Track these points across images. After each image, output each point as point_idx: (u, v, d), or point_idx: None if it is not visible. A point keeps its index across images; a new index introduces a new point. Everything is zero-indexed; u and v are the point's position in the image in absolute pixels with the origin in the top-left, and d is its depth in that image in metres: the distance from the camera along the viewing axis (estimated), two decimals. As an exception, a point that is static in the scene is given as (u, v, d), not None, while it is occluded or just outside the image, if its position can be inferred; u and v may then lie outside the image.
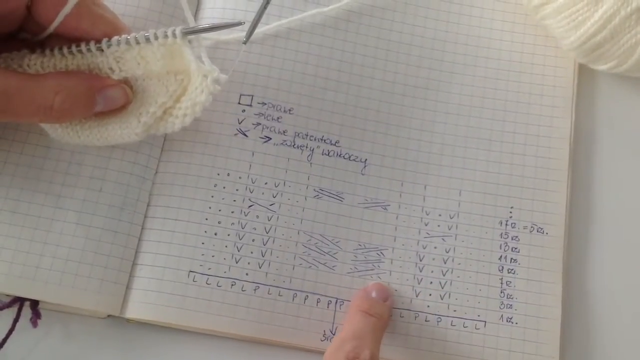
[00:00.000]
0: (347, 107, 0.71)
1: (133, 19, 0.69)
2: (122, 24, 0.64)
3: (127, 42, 0.62)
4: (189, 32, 0.62)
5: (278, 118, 0.70)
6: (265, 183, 0.68)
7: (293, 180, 0.69)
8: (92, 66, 0.63)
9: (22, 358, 0.64)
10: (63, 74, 0.62)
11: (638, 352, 0.67)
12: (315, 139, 0.70)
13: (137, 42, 0.62)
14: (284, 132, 0.70)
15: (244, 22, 0.64)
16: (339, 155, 0.70)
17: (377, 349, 0.60)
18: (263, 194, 0.68)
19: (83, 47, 0.62)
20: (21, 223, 0.64)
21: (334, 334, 0.65)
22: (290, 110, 0.70)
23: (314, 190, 0.69)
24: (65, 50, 0.62)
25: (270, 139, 0.69)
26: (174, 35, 0.61)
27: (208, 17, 0.71)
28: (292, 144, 0.69)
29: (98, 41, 0.62)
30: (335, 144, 0.70)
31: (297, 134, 0.70)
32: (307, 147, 0.70)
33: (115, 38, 0.62)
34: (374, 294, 0.65)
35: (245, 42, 0.67)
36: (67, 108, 0.60)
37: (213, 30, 0.63)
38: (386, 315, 0.64)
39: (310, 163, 0.69)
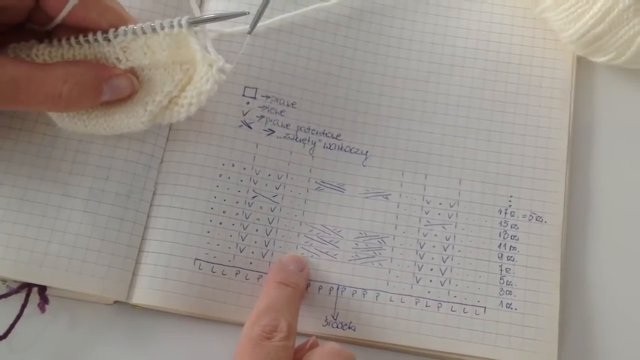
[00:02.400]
0: (349, 102, 0.72)
1: (139, 11, 0.70)
2: (129, 14, 0.65)
3: (134, 32, 0.62)
4: (195, 21, 0.63)
5: (281, 111, 0.71)
6: (269, 175, 0.69)
7: (295, 172, 0.70)
8: (99, 56, 0.64)
9: (29, 343, 0.65)
10: (71, 63, 0.63)
11: (635, 338, 0.68)
12: (317, 133, 0.71)
13: (144, 32, 0.62)
14: (287, 125, 0.71)
15: (249, 12, 0.66)
16: (341, 149, 0.71)
17: (294, 319, 0.60)
18: (266, 185, 0.69)
19: (90, 37, 0.63)
20: (29, 210, 0.65)
21: (335, 319, 0.65)
22: (293, 104, 0.71)
23: (316, 182, 0.70)
24: (72, 40, 0.63)
25: (274, 131, 0.70)
26: (179, 25, 0.62)
27: (213, 9, 0.73)
28: (295, 137, 0.70)
29: (105, 31, 0.63)
30: (336, 138, 0.71)
31: (299, 127, 0.71)
32: (309, 140, 0.71)
33: (122, 28, 0.63)
34: (290, 267, 0.65)
35: (249, 33, 0.68)
36: (75, 97, 0.61)
37: (218, 20, 0.64)
38: (302, 285, 0.65)
39: (312, 156, 0.70)
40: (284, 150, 0.70)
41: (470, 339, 0.66)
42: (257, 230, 0.67)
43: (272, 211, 0.68)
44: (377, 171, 0.70)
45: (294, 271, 0.65)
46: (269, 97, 0.71)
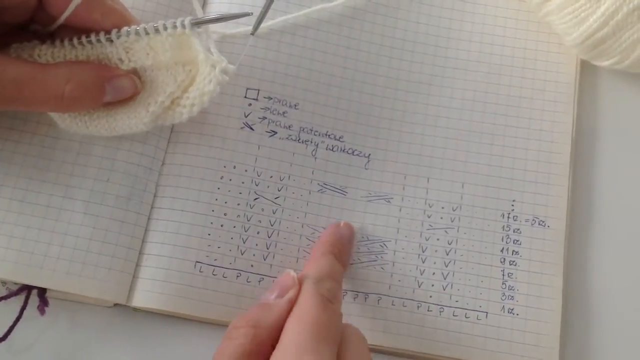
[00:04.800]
0: (351, 103, 0.72)
1: (142, 12, 0.70)
2: (132, 15, 0.65)
3: (137, 32, 0.62)
4: (198, 22, 0.63)
5: (284, 113, 0.71)
6: (271, 176, 0.69)
7: (298, 174, 0.69)
8: (101, 57, 0.64)
9: (29, 346, 0.64)
10: (73, 63, 0.63)
11: (637, 344, 0.68)
12: (319, 134, 0.71)
13: (147, 33, 0.62)
14: (289, 126, 0.70)
15: (252, 13, 0.66)
16: (343, 150, 0.71)
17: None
18: (268, 187, 0.68)
19: (93, 37, 0.63)
20: (29, 212, 0.65)
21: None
22: (295, 105, 0.71)
23: (318, 184, 0.69)
24: (75, 40, 0.63)
25: (276, 133, 0.70)
26: (182, 25, 0.62)
27: (215, 11, 0.72)
28: (297, 138, 0.70)
29: (108, 32, 0.63)
30: (339, 139, 0.71)
31: (302, 128, 0.70)
32: (311, 142, 0.70)
33: (125, 29, 0.63)
34: (343, 235, 0.66)
35: (252, 34, 0.68)
36: (77, 97, 0.60)
37: (221, 21, 0.64)
38: (348, 264, 0.66)
39: (315, 158, 0.70)
40: (286, 152, 0.70)
41: (471, 344, 0.65)
42: (258, 233, 0.67)
43: (273, 213, 0.68)
44: (379, 174, 0.70)
45: (347, 246, 0.66)
46: (271, 99, 0.71)
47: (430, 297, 0.67)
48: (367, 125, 0.72)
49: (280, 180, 0.69)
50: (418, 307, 0.66)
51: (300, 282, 0.58)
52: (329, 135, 0.71)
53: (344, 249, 0.65)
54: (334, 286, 0.58)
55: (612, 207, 0.72)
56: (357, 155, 0.71)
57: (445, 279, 0.67)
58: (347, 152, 0.71)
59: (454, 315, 0.66)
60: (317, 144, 0.70)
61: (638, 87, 0.75)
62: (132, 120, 0.64)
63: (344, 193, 0.69)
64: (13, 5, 0.61)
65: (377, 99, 0.73)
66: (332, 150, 0.70)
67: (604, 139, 0.74)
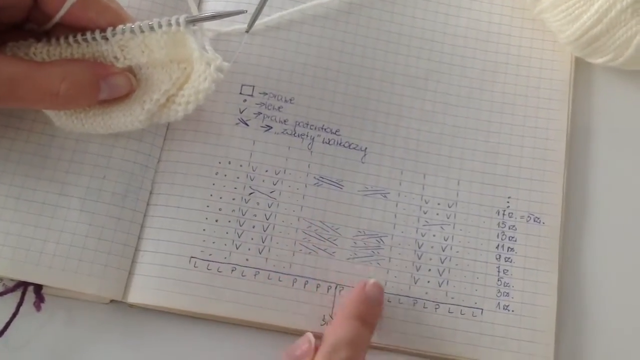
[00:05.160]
0: (348, 97, 0.72)
1: (137, 11, 0.70)
2: (127, 13, 0.65)
3: (132, 30, 0.62)
4: (192, 20, 0.62)
5: (279, 107, 0.71)
6: (266, 171, 0.69)
7: (293, 168, 0.69)
8: (97, 55, 0.64)
9: (25, 342, 0.64)
10: (69, 61, 0.63)
11: (632, 341, 0.68)
12: (315, 128, 0.71)
13: (142, 31, 0.62)
14: (284, 121, 0.70)
15: (247, 11, 0.66)
16: (339, 144, 0.71)
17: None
18: (264, 181, 0.68)
19: (88, 35, 0.63)
20: (26, 209, 0.65)
21: (333, 319, 0.65)
22: (291, 99, 0.71)
23: (314, 177, 0.69)
24: (70, 39, 0.63)
25: (271, 127, 0.70)
26: (177, 23, 0.62)
27: (211, 9, 0.72)
28: (293, 132, 0.70)
29: (103, 30, 0.63)
30: (335, 133, 0.71)
31: (297, 123, 0.71)
32: (307, 135, 0.70)
33: (120, 27, 0.63)
34: (368, 295, 0.63)
35: (247, 31, 0.68)
36: (72, 95, 0.60)
37: (216, 19, 0.64)
38: (375, 325, 0.63)
39: (311, 151, 0.70)
40: (281, 146, 0.70)
41: (466, 341, 0.66)
42: (253, 227, 0.67)
43: (269, 207, 0.68)
44: (375, 168, 0.70)
45: (374, 307, 0.63)
46: (266, 94, 0.71)
47: (426, 293, 0.67)
48: (364, 119, 0.72)
49: (276, 174, 0.69)
50: (414, 303, 0.66)
51: (317, 349, 0.58)
52: (325, 129, 0.71)
53: (372, 311, 0.63)
54: (350, 355, 0.57)
55: (606, 204, 0.72)
56: (354, 148, 0.71)
57: (441, 275, 0.67)
58: (343, 145, 0.71)
59: (449, 312, 0.66)
60: (313, 138, 0.70)
61: (632, 84, 0.75)
62: (128, 118, 0.64)
63: (341, 186, 0.69)
64: (8, 5, 0.60)
65: (373, 92, 0.73)
66: (329, 143, 0.71)
67: (598, 136, 0.74)
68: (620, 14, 0.67)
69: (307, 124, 0.71)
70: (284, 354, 0.60)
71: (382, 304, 0.65)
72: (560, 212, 0.70)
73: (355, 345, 0.58)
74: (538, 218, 0.69)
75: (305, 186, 0.69)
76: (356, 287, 0.65)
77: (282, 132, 0.70)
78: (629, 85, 0.75)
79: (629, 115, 0.75)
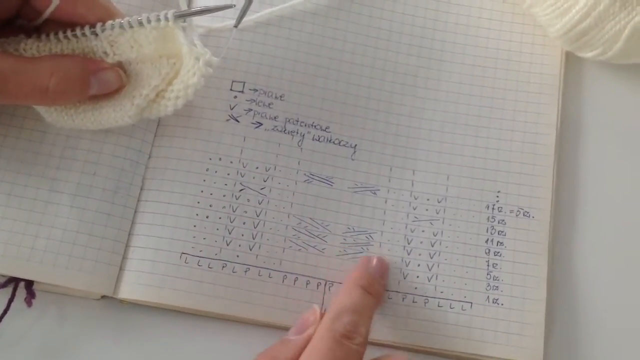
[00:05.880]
0: (338, 94, 0.72)
1: (127, 6, 0.70)
2: (116, 9, 0.65)
3: (121, 26, 0.62)
4: (181, 15, 0.63)
5: (269, 104, 0.71)
6: (257, 167, 0.69)
7: (284, 164, 0.69)
8: (86, 50, 0.64)
9: (17, 338, 0.65)
10: (58, 56, 0.63)
11: (622, 335, 0.68)
12: (305, 125, 0.71)
13: (131, 26, 0.63)
14: (275, 117, 0.71)
15: (234, 5, 0.66)
16: (329, 141, 0.71)
17: (369, 329, 0.60)
18: (254, 178, 0.69)
19: (78, 31, 0.63)
20: (17, 205, 0.65)
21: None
22: (281, 96, 0.71)
23: (304, 174, 0.70)
24: (60, 34, 0.63)
25: (262, 124, 0.70)
26: (166, 18, 0.62)
27: (201, 4, 0.72)
28: (283, 129, 0.70)
29: (92, 25, 0.63)
30: (325, 130, 0.71)
31: (288, 119, 0.71)
32: (297, 132, 0.71)
33: (109, 22, 0.63)
34: (376, 273, 0.65)
35: (236, 26, 0.68)
36: (62, 90, 0.61)
37: (204, 13, 0.64)
38: (381, 295, 0.65)
39: (301, 148, 0.70)
40: (272, 143, 0.70)
41: (456, 334, 0.66)
42: (244, 223, 0.67)
43: (259, 204, 0.68)
44: (365, 165, 0.70)
45: (378, 279, 0.65)
46: (256, 90, 0.71)
47: (416, 288, 0.67)
48: (354, 116, 0.72)
49: (266, 171, 0.69)
50: (403, 299, 0.67)
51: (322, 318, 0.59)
52: (315, 126, 0.71)
53: (374, 280, 0.64)
54: (354, 320, 0.58)
55: (596, 198, 0.72)
56: (344, 145, 0.71)
57: (430, 270, 0.67)
58: (333, 142, 0.71)
59: (438, 306, 0.67)
60: (303, 135, 0.71)
61: (622, 78, 0.76)
62: (118, 113, 0.64)
63: (331, 183, 0.70)
64: None
65: (363, 89, 0.73)
66: (319, 140, 0.71)
67: (588, 130, 0.74)
68: (608, 7, 0.67)
69: (298, 121, 0.71)
70: (293, 329, 0.60)
71: (386, 277, 0.67)
72: (550, 206, 0.70)
73: (359, 312, 0.59)
74: (528, 212, 0.69)
75: (296, 183, 0.69)
76: (362, 260, 0.67)
77: (273, 129, 0.70)
78: (618, 79, 0.76)
79: (619, 109, 0.75)
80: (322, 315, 0.60)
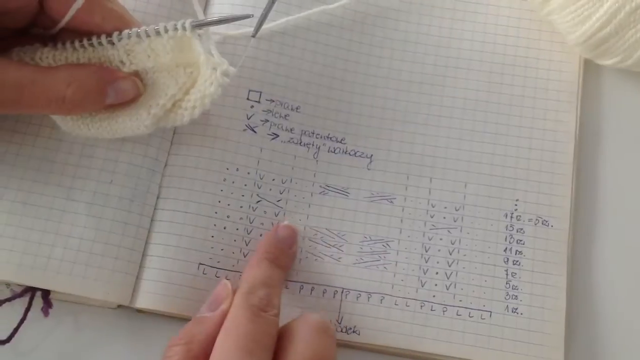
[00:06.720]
0: (353, 105, 0.72)
1: (143, 15, 0.70)
2: (132, 18, 0.65)
3: (138, 35, 0.63)
4: (198, 24, 0.63)
5: (285, 115, 0.71)
6: (273, 179, 0.69)
7: (300, 177, 0.69)
8: (103, 59, 0.64)
9: (33, 347, 0.64)
10: (75, 66, 0.63)
11: (642, 344, 0.67)
12: (321, 137, 0.71)
13: (148, 35, 0.63)
14: (291, 129, 0.70)
15: (253, 15, 0.66)
16: (345, 152, 0.71)
17: (280, 298, 0.61)
18: (270, 190, 0.68)
19: (94, 40, 0.63)
20: (33, 214, 0.65)
21: (339, 323, 0.65)
22: (297, 108, 0.71)
23: (320, 186, 0.69)
24: (76, 43, 0.63)
25: (278, 136, 0.70)
26: (183, 27, 0.62)
27: (217, 12, 0.72)
28: (299, 141, 0.70)
29: (109, 34, 0.63)
30: (341, 142, 0.71)
31: (303, 132, 0.71)
32: (313, 144, 0.71)
33: (126, 31, 0.63)
34: (280, 238, 0.66)
35: (253, 36, 0.68)
36: (79, 99, 0.61)
37: (222, 23, 0.64)
38: (289, 266, 0.66)
39: (317, 160, 0.70)
40: (288, 155, 0.70)
41: (475, 343, 0.65)
42: (261, 235, 0.67)
43: (276, 216, 0.68)
44: (381, 175, 0.70)
45: (286, 251, 0.65)
46: (273, 101, 0.71)
47: (434, 296, 0.66)
48: (369, 127, 0.72)
49: (282, 183, 0.69)
50: (421, 306, 0.66)
51: (235, 292, 0.59)
52: (330, 138, 0.71)
53: (282, 253, 0.65)
54: (267, 293, 0.59)
55: (615, 206, 0.71)
56: (359, 156, 0.71)
57: (448, 278, 0.67)
58: (349, 153, 0.71)
59: (457, 315, 0.66)
60: (319, 147, 0.71)
61: (641, 85, 0.75)
62: (134, 122, 0.64)
63: (346, 194, 0.69)
64: (15, 10, 0.61)
65: (378, 100, 0.73)
66: (334, 152, 0.71)
67: (607, 138, 0.74)
68: (629, 15, 0.66)
69: (313, 133, 0.71)
70: (205, 306, 0.60)
71: (294, 245, 0.67)
72: (569, 215, 0.69)
73: (269, 285, 0.60)
74: (546, 221, 0.69)
75: (311, 195, 0.69)
76: (270, 231, 0.67)
77: (289, 141, 0.70)
78: (638, 87, 0.75)
79: (638, 117, 0.74)
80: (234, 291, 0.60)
